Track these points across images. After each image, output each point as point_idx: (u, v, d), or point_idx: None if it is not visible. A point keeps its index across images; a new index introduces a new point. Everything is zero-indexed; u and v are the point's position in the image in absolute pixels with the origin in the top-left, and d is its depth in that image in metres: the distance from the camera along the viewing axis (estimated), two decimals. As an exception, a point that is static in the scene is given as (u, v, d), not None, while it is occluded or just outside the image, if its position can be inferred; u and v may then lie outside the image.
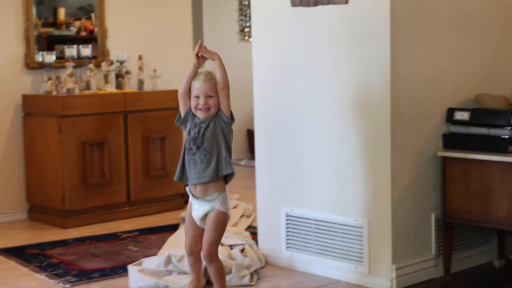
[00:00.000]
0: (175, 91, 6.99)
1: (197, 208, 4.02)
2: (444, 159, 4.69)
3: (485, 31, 5.04)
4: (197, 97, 3.94)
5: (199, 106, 3.93)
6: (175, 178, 4.05)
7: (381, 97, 4.52)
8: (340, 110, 4.73)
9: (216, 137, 3.94)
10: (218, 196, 3.98)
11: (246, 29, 10.10)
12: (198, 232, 4.07)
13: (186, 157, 3.98)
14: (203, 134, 3.93)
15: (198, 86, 3.93)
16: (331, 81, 4.76)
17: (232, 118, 3.99)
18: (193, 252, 4.10)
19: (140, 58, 7.23)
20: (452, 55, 4.83)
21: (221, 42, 10.02)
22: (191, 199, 4.05)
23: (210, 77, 3.96)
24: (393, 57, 4.48)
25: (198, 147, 3.93)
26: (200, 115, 3.95)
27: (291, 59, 4.99)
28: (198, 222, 4.04)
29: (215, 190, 3.97)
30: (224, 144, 3.95)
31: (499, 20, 5.12)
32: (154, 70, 7.24)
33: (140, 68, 7.17)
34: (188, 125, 4.00)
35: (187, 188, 4.06)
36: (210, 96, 3.93)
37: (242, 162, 9.80)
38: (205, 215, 4.01)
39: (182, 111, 4.02)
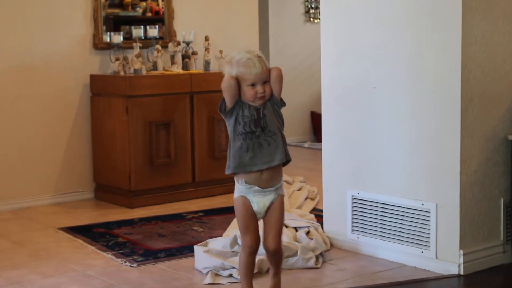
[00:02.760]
0: (241, 72, 7.09)
1: (260, 200, 3.77)
2: (515, 144, 4.61)
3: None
4: (253, 85, 3.64)
5: (258, 95, 3.65)
6: (230, 171, 3.75)
7: (451, 79, 4.44)
8: (410, 93, 4.67)
9: (275, 118, 3.71)
10: (281, 181, 3.82)
11: (312, 11, 10.04)
12: (257, 226, 3.84)
13: (246, 142, 3.66)
14: (264, 115, 3.68)
15: (253, 72, 3.63)
16: (402, 63, 4.70)
17: (283, 102, 3.75)
18: (256, 250, 3.85)
19: (206, 39, 7.23)
20: (525, 37, 4.72)
21: (286, 23, 10.00)
22: (247, 191, 3.77)
23: (262, 60, 3.67)
24: (464, 37, 4.40)
25: (262, 129, 3.67)
26: (257, 103, 3.67)
27: (361, 40, 4.94)
28: (260, 215, 3.81)
29: (280, 176, 3.79)
30: (281, 126, 3.74)
31: None
32: (221, 51, 7.23)
33: (207, 49, 7.18)
34: (237, 111, 3.68)
35: (241, 181, 3.76)
36: (266, 82, 3.67)
37: (306, 144, 9.77)
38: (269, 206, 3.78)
39: (231, 101, 3.67)
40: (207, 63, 7.15)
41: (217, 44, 7.37)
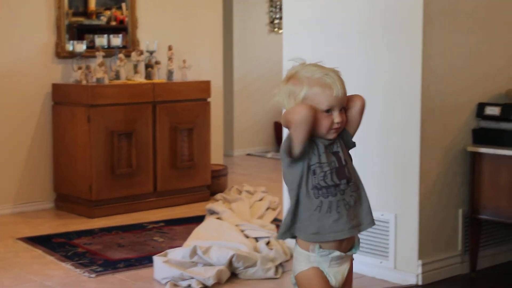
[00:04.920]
0: (204, 82, 7.12)
1: (337, 271, 2.77)
2: (474, 154, 4.64)
3: (517, 26, 4.98)
4: (329, 110, 2.67)
5: (335, 125, 2.69)
6: (303, 236, 2.70)
7: (411, 90, 4.47)
8: (369, 104, 4.67)
9: (352, 162, 2.81)
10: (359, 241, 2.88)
11: (276, 21, 10.07)
12: None
13: (327, 200, 2.67)
14: (346, 161, 2.75)
15: (334, 94, 2.68)
16: (361, 74, 4.72)
17: (354, 143, 2.85)
18: None
19: (170, 48, 7.22)
20: (484, 49, 4.77)
21: (250, 33, 10.02)
22: (321, 260, 2.74)
23: (341, 78, 2.74)
24: (425, 50, 4.43)
25: (348, 181, 2.72)
26: (331, 135, 2.71)
27: (322, 51, 4.96)
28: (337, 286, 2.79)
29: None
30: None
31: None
32: (184, 61, 7.23)
33: (170, 59, 7.17)
34: (308, 155, 2.68)
35: (314, 248, 2.70)
36: (343, 108, 2.73)
37: (269, 155, 9.79)
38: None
39: (304, 142, 2.63)
40: (170, 73, 7.14)
41: (181, 54, 7.37)
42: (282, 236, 2.77)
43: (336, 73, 2.72)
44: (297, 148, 2.63)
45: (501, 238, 4.97)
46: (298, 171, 2.68)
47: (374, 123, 4.63)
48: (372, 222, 2.76)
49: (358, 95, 2.79)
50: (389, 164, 4.61)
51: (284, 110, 2.71)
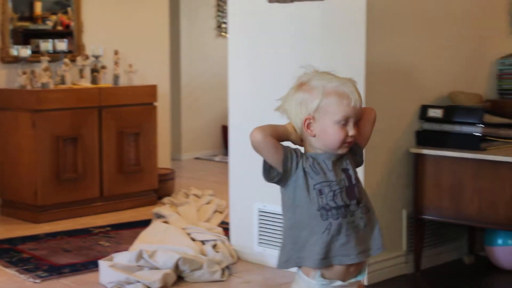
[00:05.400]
0: (150, 86, 7.10)
1: None
2: (417, 156, 4.69)
3: (461, 29, 5.05)
4: (344, 122, 2.44)
5: (349, 139, 2.46)
6: (311, 263, 2.44)
7: (354, 93, 4.51)
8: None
9: (360, 181, 2.57)
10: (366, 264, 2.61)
11: (223, 25, 10.08)
12: None
13: (336, 222, 2.43)
14: (356, 180, 2.52)
15: (352, 104, 2.44)
16: (304, 77, 4.74)
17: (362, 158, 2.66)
18: None
19: (116, 53, 7.19)
20: (427, 52, 4.83)
21: (198, 37, 10.00)
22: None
23: (357, 89, 2.49)
24: (368, 53, 4.47)
25: (358, 202, 2.49)
26: (343, 150, 2.49)
27: (267, 56, 4.98)
28: None
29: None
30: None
31: (475, 18, 5.14)
32: (130, 65, 7.21)
33: (116, 63, 7.14)
34: (305, 169, 2.46)
35: (314, 275, 2.48)
36: (357, 121, 2.49)
37: (217, 158, 9.80)
38: None
39: (281, 157, 2.45)
40: (116, 77, 7.11)
41: (127, 58, 7.35)
42: (285, 264, 2.51)
43: (353, 82, 2.49)
44: (273, 170, 2.48)
45: (444, 238, 5.04)
46: (290, 192, 2.48)
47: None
48: (381, 248, 2.53)
49: (370, 107, 2.60)
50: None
51: (289, 120, 2.54)
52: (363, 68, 4.46)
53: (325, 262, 2.43)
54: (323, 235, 2.42)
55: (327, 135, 2.44)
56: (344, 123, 2.43)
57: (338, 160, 2.47)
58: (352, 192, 2.47)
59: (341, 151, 2.46)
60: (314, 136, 2.47)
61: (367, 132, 2.57)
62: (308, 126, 2.46)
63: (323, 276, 2.47)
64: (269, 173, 2.48)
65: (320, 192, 2.43)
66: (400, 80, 4.70)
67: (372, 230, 2.51)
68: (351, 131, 2.44)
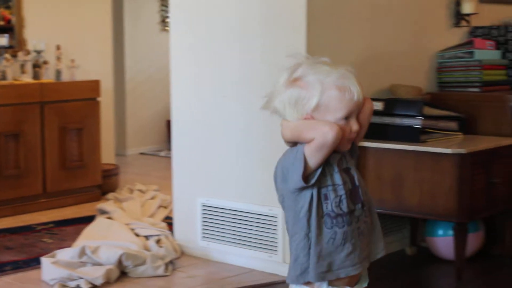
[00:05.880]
0: (93, 82, 7.05)
1: None
2: (358, 149, 4.72)
3: (400, 22, 5.11)
4: (347, 117, 2.23)
5: (353, 135, 2.25)
6: (313, 277, 2.21)
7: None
8: (250, 103, 4.73)
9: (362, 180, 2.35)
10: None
11: (167, 20, 10.03)
12: None
13: (342, 230, 2.21)
14: (359, 181, 2.29)
15: (355, 98, 2.25)
16: (249, 72, 4.76)
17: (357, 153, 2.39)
18: None
19: (58, 48, 7.13)
20: (368, 45, 4.87)
21: (142, 32, 9.96)
22: None
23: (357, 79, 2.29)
24: (309, 47, 4.50)
25: (363, 206, 2.27)
26: (346, 147, 2.27)
27: (208, 50, 4.98)
28: None
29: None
30: None
31: (414, 11, 5.20)
32: (72, 61, 7.16)
33: (58, 58, 7.08)
34: (324, 175, 2.22)
35: (320, 285, 2.25)
36: (358, 114, 2.29)
37: (162, 153, 9.77)
38: None
39: (321, 164, 2.20)
40: (58, 73, 7.05)
41: (69, 53, 7.28)
42: (299, 279, 2.26)
43: (352, 72, 2.28)
44: (314, 172, 2.19)
45: (389, 229, 5.09)
46: (307, 197, 2.22)
47: (257, 121, 4.67)
48: (383, 250, 2.35)
49: (366, 97, 2.31)
50: (273, 160, 4.65)
51: (283, 121, 2.39)
52: (304, 61, 4.48)
53: (328, 275, 2.22)
54: (327, 245, 2.21)
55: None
56: (347, 118, 2.22)
57: (339, 159, 2.25)
58: (357, 194, 2.25)
59: (344, 148, 2.24)
60: None
61: (365, 126, 2.30)
62: None
63: (332, 285, 2.25)
64: (307, 176, 2.21)
65: (326, 197, 2.21)
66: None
67: (374, 232, 2.33)
68: (355, 126, 2.23)
